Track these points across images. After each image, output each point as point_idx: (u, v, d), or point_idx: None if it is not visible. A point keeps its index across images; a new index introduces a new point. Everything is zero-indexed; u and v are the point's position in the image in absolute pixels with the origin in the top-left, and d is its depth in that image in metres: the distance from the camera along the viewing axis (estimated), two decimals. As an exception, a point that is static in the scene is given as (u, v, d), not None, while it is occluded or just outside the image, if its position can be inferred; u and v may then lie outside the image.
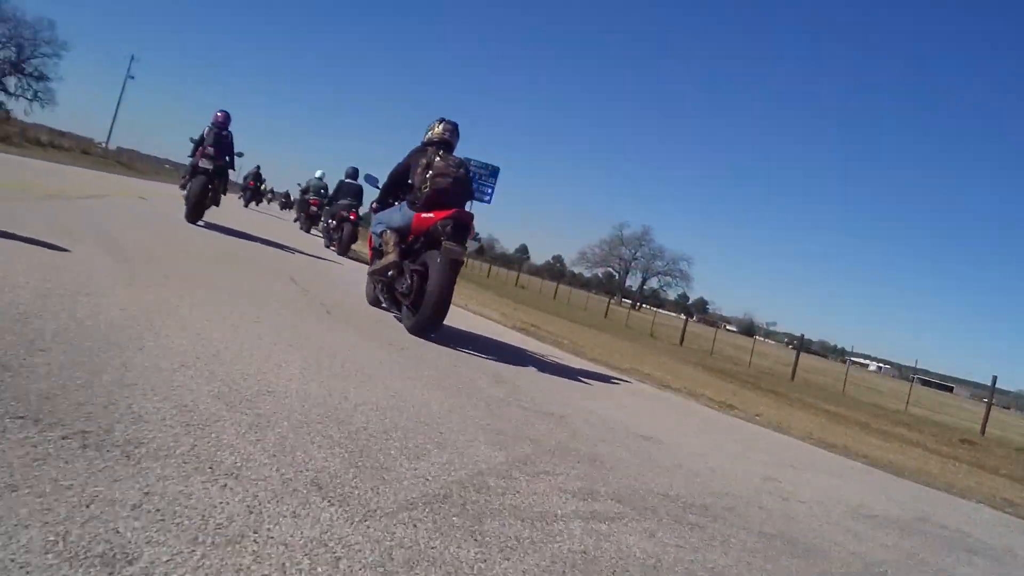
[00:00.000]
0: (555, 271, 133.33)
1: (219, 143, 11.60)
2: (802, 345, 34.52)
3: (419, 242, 6.17)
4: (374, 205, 7.07)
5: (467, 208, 6.27)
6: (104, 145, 59.16)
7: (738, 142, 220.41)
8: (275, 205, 48.49)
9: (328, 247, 16.49)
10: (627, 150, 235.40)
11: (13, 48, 58.27)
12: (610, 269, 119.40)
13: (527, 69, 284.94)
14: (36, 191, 9.52)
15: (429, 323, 5.80)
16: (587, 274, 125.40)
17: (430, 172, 6.09)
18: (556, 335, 10.54)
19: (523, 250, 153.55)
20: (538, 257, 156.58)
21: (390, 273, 6.24)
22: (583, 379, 6.20)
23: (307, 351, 3.86)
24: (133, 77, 63.65)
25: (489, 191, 21.86)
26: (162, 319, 3.58)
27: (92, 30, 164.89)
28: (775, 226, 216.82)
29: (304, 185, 22.03)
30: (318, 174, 21.25)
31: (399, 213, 6.36)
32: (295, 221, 23.95)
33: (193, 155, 11.80)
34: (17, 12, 57.61)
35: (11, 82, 59.42)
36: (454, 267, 5.81)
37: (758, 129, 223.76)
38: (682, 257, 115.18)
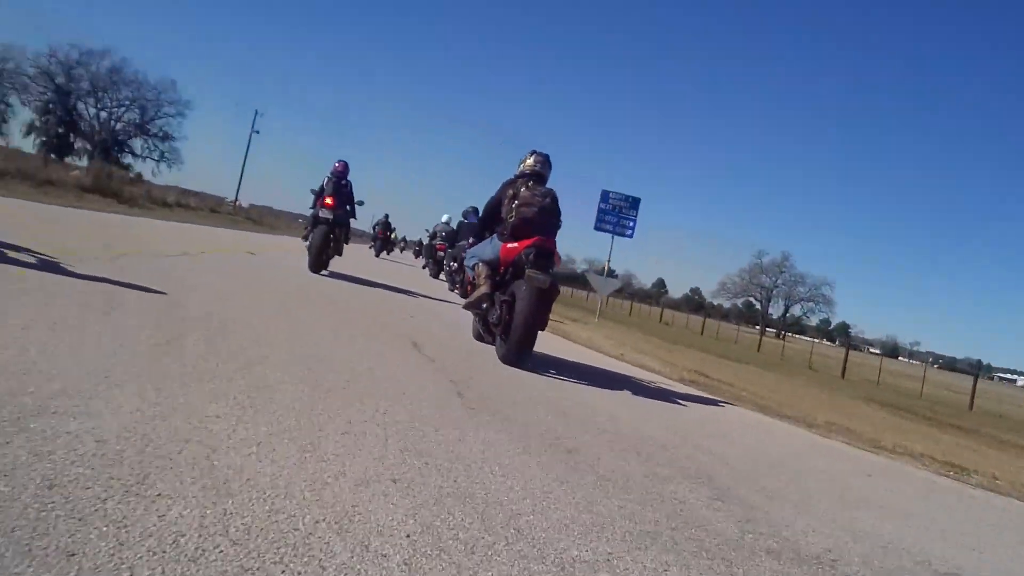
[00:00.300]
0: (694, 303, 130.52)
1: (338, 192, 11.59)
2: (979, 371, 30.86)
3: (509, 273, 6.20)
4: (471, 240, 7.37)
5: (555, 237, 6.27)
6: (234, 202, 58.57)
7: (864, 158, 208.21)
8: (408, 254, 48.65)
9: (452, 290, 15.73)
10: (759, 175, 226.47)
11: (137, 110, 60.51)
12: (751, 298, 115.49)
13: (650, 97, 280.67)
14: (115, 249, 8.13)
15: (517, 352, 5.74)
16: (727, 304, 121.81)
17: (516, 202, 6.19)
18: (730, 384, 9.00)
19: (660, 284, 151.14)
20: (676, 290, 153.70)
21: (484, 305, 6.32)
22: (805, 459, 4.88)
23: (422, 494, 2.21)
24: (258, 132, 62.75)
25: (631, 224, 20.48)
26: (169, 451, 2.06)
27: (217, 88, 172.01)
28: (909, 241, 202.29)
29: (431, 231, 21.99)
30: (444, 218, 21.08)
31: (490, 245, 6.44)
32: (424, 268, 24.07)
33: (314, 206, 11.78)
34: (139, 74, 59.95)
35: (137, 144, 61.60)
36: (540, 295, 5.75)
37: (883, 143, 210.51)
38: (824, 282, 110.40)
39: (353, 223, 12.29)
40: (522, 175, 6.56)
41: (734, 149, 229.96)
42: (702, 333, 46.57)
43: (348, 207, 11.86)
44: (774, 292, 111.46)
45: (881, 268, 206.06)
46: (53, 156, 48.95)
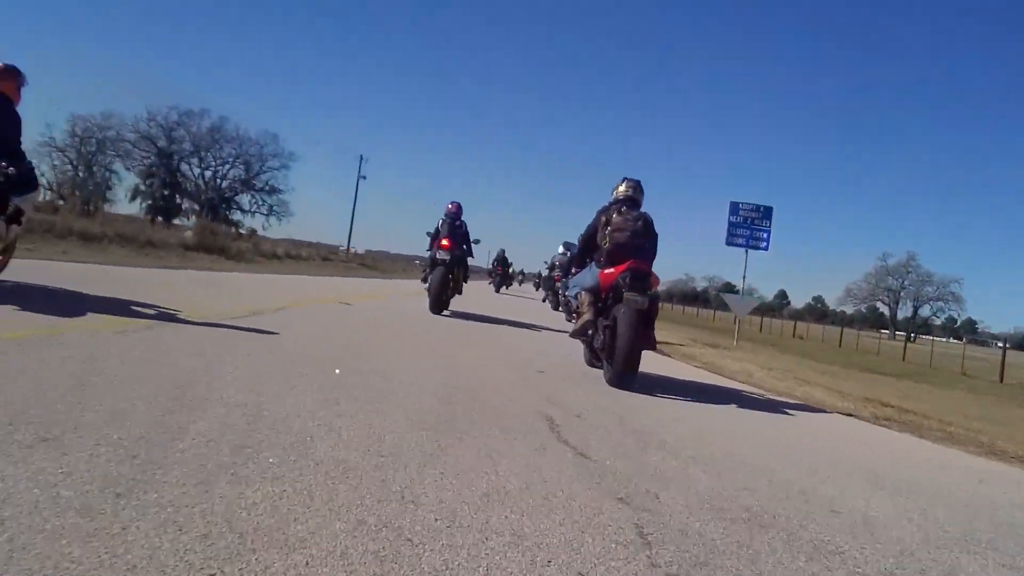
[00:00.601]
0: (817, 312, 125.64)
1: (454, 233, 11.76)
2: None
3: (609, 298, 6.26)
4: (573, 270, 7.49)
5: (652, 259, 6.39)
6: (346, 249, 56.11)
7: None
8: (527, 285, 48.59)
9: (569, 321, 14.67)
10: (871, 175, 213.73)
11: (241, 166, 59.09)
12: (879, 302, 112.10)
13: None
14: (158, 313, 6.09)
15: (621, 374, 5.77)
16: (850, 310, 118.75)
17: (609, 228, 6.31)
18: (927, 417, 7.51)
19: (782, 295, 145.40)
20: (797, 300, 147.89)
21: (589, 332, 6.42)
22: None
23: None
24: (364, 177, 61.20)
25: (765, 236, 18.55)
26: None
27: (323, 135, 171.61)
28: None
29: (549, 262, 22.09)
30: (560, 250, 20.64)
31: (589, 273, 6.60)
32: (544, 300, 23.95)
33: (430, 248, 11.95)
34: (240, 130, 59.18)
35: (245, 200, 60.07)
36: (639, 317, 5.81)
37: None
38: (952, 279, 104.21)
39: (471, 261, 12.51)
40: (615, 202, 6.69)
41: (844, 152, 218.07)
42: (840, 345, 43.22)
43: (464, 246, 12.00)
44: (902, 294, 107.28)
45: (1000, 258, 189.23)
46: (160, 219, 48.78)
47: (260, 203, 60.47)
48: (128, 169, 55.97)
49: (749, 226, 18.41)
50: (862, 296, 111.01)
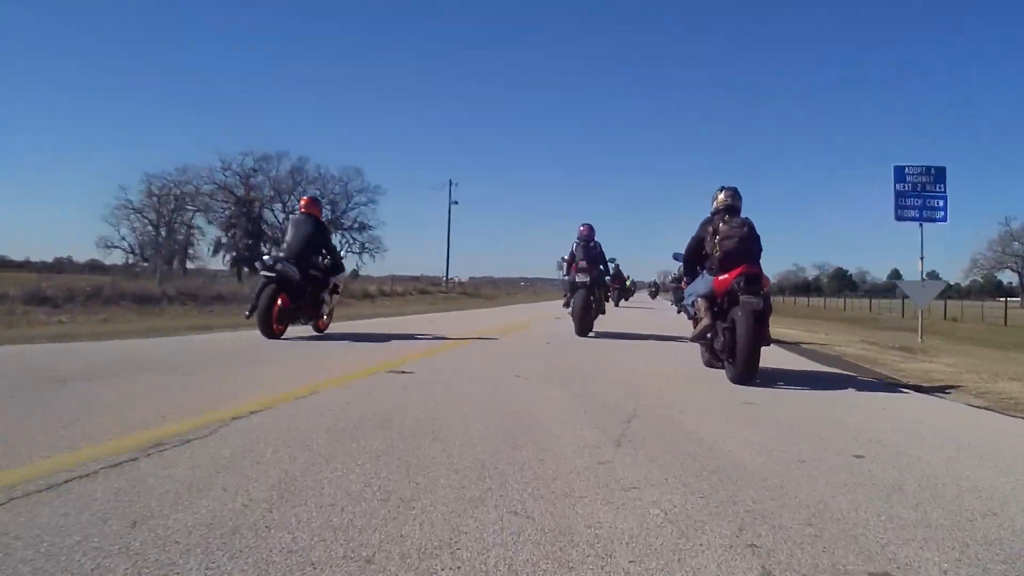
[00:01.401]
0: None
1: (589, 255, 11.88)
2: None
3: (725, 303, 6.46)
4: (685, 280, 7.88)
5: (759, 261, 6.53)
6: (445, 279, 52.74)
7: None
8: (642, 295, 47.30)
9: None
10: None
11: (327, 206, 53.66)
12: (1008, 269, 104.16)
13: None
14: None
15: (743, 372, 6.00)
16: (965, 282, 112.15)
17: (717, 238, 6.55)
18: None
19: (895, 275, 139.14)
20: (909, 278, 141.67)
21: (708, 336, 6.62)
22: None
23: None
24: (456, 202, 57.89)
25: (941, 204, 15.04)
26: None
27: (412, 165, 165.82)
28: None
29: (677, 273, 22.47)
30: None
31: (703, 281, 6.79)
32: (679, 312, 22.46)
33: (568, 272, 12.17)
34: (321, 169, 57.09)
35: (335, 240, 57.27)
36: (756, 317, 6.05)
37: None
38: None
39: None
40: (716, 211, 6.85)
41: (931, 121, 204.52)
42: (1005, 324, 37.55)
43: (601, 267, 12.15)
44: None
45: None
46: (247, 270, 45.69)
47: (351, 242, 57.71)
48: (211, 223, 53.74)
49: (920, 193, 15.00)
50: (988, 265, 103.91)
